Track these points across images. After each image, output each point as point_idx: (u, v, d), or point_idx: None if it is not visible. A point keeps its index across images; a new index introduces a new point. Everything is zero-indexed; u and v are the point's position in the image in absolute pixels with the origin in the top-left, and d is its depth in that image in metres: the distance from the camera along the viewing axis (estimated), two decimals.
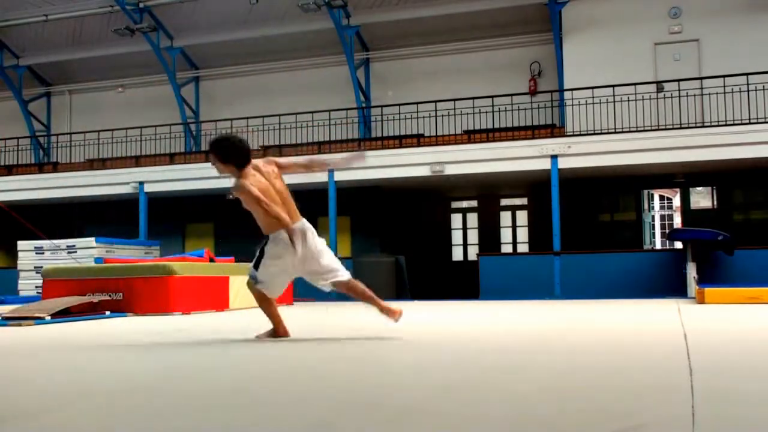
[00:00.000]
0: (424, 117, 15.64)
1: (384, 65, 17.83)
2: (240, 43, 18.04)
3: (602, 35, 15.40)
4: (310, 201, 16.08)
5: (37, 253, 14.76)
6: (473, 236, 18.14)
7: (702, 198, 17.53)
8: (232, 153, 4.79)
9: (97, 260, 13.08)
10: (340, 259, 5.20)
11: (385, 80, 17.67)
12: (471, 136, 15.25)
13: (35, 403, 2.68)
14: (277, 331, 5.03)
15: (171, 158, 17.32)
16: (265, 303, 5.03)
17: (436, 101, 15.56)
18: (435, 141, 15.35)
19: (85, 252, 14.18)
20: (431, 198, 17.95)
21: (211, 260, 11.06)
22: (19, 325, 6.89)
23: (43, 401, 2.70)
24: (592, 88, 14.21)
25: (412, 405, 2.50)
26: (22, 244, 15.01)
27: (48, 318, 7.31)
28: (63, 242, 14.43)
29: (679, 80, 14.06)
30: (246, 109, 17.80)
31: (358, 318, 8.01)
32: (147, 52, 18.17)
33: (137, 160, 17.45)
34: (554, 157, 13.79)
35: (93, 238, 14.52)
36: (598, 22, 15.47)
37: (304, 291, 13.13)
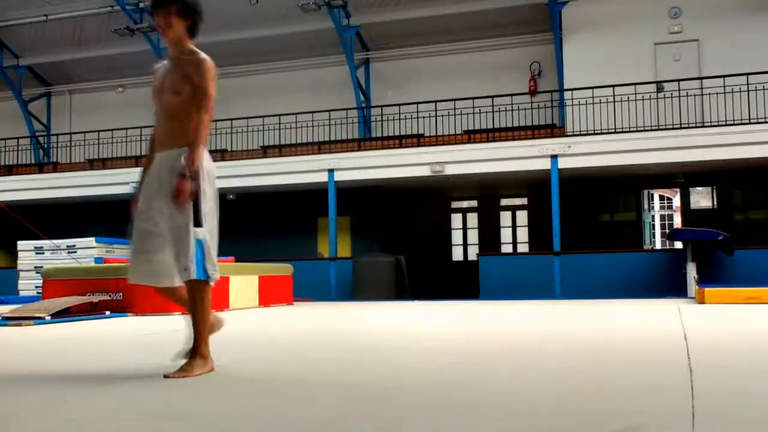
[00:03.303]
0: (424, 117, 15.64)
1: (384, 65, 17.82)
2: (240, 43, 18.02)
3: (602, 35, 15.38)
4: (310, 201, 16.24)
5: (37, 253, 14.74)
6: (473, 236, 18.14)
7: (702, 198, 17.52)
8: (195, 9, 3.64)
9: (97, 260, 13.08)
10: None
11: (385, 80, 17.66)
12: (471, 136, 15.24)
13: (36, 403, 2.68)
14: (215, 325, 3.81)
15: None
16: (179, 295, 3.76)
17: (436, 101, 15.55)
18: (435, 141, 15.33)
19: (85, 252, 14.16)
20: (431, 198, 17.95)
21: None
22: (19, 325, 6.89)
23: (43, 401, 2.70)
24: (592, 88, 14.20)
25: (413, 404, 2.50)
26: (22, 244, 15.00)
27: (48, 318, 7.31)
28: (63, 242, 14.41)
29: (679, 80, 14.05)
30: (245, 109, 17.78)
31: (359, 318, 8.02)
32: (147, 52, 18.15)
33: (137, 160, 17.44)
34: (554, 157, 13.79)
35: (93, 238, 14.48)
36: (598, 22, 15.45)
37: (304, 291, 13.11)
